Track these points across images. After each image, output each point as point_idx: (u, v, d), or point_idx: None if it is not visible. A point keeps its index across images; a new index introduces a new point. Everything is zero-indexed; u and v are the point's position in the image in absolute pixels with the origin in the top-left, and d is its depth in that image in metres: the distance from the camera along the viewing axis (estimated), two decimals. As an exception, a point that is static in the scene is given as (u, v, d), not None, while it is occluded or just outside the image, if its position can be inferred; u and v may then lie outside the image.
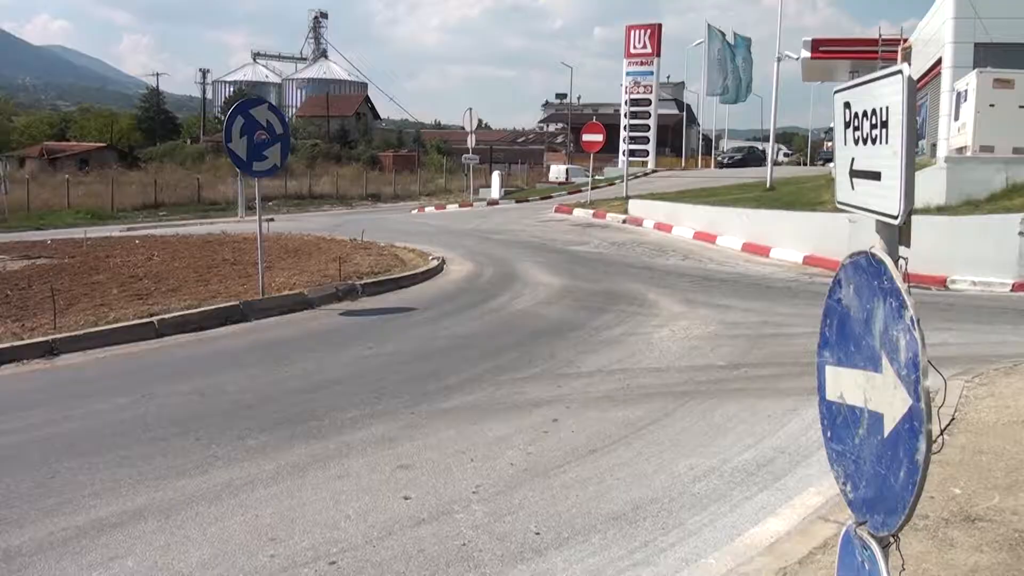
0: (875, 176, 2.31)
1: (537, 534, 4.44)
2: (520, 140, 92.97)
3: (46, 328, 9.08)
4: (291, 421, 6.34)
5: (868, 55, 28.63)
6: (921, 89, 22.82)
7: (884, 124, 2.23)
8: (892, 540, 2.24)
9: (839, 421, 2.49)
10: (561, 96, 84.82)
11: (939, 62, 21.18)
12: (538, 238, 20.09)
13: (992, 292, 12.77)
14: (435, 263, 14.63)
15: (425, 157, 73.45)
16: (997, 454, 5.21)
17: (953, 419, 5.74)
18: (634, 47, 46.53)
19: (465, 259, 15.90)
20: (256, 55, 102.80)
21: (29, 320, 9.56)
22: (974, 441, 5.44)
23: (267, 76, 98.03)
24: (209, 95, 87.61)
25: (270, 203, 37.92)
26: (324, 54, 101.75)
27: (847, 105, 2.52)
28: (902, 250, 2.27)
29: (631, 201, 25.32)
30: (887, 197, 2.22)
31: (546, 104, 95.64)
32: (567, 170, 49.19)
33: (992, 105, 16.77)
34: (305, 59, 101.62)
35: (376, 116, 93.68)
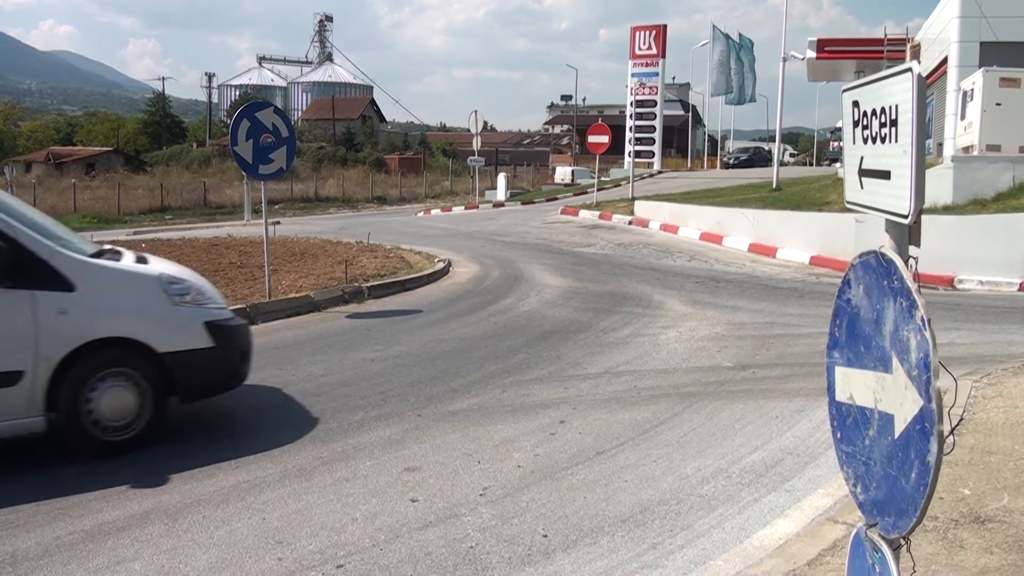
0: (884, 175, 2.30)
1: (545, 536, 4.42)
2: (526, 142, 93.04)
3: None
4: (297, 424, 6.34)
5: (874, 55, 28.66)
6: (927, 88, 22.77)
7: (893, 123, 2.21)
8: (903, 542, 2.22)
9: (849, 422, 2.47)
10: (566, 98, 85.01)
11: (945, 61, 21.13)
12: (544, 240, 20.08)
13: (999, 292, 12.71)
14: (441, 265, 14.64)
15: (431, 159, 73.69)
16: (1006, 454, 5.18)
17: (962, 419, 5.71)
18: (639, 48, 46.60)
19: (471, 261, 15.90)
20: (262, 59, 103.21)
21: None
22: (983, 442, 5.41)
23: (273, 80, 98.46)
24: (215, 99, 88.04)
25: (276, 206, 38.03)
26: (329, 57, 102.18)
27: (856, 104, 2.49)
28: (912, 249, 2.26)
29: (637, 202, 25.30)
30: (897, 196, 2.21)
31: (551, 106, 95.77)
32: (573, 172, 49.21)
33: (998, 104, 16.76)
34: (310, 63, 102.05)
35: (381, 119, 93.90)
